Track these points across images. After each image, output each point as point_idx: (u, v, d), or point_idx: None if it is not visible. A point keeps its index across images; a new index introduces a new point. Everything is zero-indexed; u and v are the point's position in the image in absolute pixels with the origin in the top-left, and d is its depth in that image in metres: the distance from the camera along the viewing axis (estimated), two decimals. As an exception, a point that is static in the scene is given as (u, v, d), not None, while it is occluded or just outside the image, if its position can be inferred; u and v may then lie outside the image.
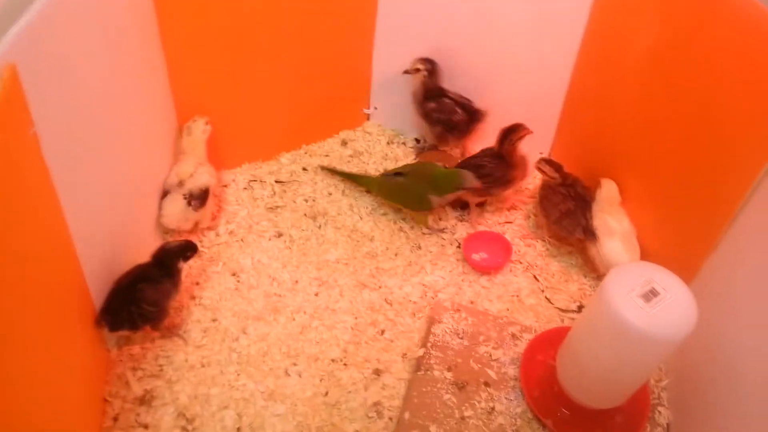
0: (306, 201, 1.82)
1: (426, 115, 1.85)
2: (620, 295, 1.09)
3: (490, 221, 1.81)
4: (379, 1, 1.79)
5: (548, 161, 1.72)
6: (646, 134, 1.55)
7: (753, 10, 1.21)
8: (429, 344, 1.46)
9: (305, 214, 1.77)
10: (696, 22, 1.35)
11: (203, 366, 1.40)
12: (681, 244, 1.43)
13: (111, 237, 1.36)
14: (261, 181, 1.86)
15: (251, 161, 1.90)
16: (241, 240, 1.69)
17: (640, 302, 1.07)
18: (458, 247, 1.73)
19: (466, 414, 1.33)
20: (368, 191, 1.84)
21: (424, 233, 1.75)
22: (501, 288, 1.63)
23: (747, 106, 1.24)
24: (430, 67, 1.79)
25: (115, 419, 1.29)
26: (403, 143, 2.02)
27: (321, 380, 1.40)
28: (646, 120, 1.54)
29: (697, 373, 1.32)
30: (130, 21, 1.40)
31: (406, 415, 1.32)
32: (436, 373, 1.40)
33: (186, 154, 1.65)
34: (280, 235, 1.71)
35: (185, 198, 1.58)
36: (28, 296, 0.98)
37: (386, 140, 2.02)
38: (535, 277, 1.67)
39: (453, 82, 1.84)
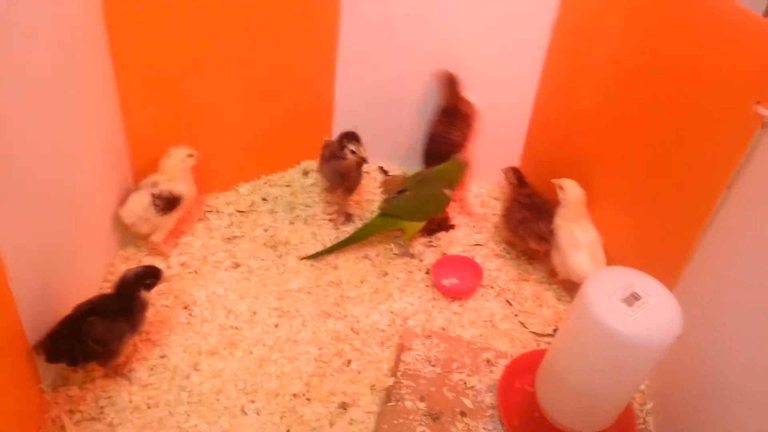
0: (266, 230, 1.72)
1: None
2: (601, 300, 1.02)
3: (459, 246, 1.75)
4: (340, 28, 1.77)
5: (513, 169, 1.78)
6: (616, 140, 1.54)
7: (716, 12, 1.22)
8: (399, 373, 1.35)
9: (265, 244, 1.68)
10: (660, 25, 1.37)
11: (149, 407, 1.27)
12: (657, 251, 1.38)
13: (49, 266, 1.24)
14: (217, 212, 1.76)
15: (207, 192, 1.80)
16: (195, 272, 1.58)
17: (623, 306, 1.01)
18: (427, 272, 1.65)
19: (441, 447, 1.22)
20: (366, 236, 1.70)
21: (390, 259, 1.67)
22: (473, 313, 1.56)
23: (715, 106, 1.22)
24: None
25: (47, 469, 1.14)
26: (367, 172, 1.96)
27: (282, 417, 1.28)
28: (614, 125, 1.53)
29: (681, 395, 1.26)
30: (80, 44, 1.33)
31: (377, 451, 1.20)
32: (408, 403, 1.30)
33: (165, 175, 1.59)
34: (237, 265, 1.61)
35: (152, 196, 1.52)
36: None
37: (349, 170, 1.96)
38: (507, 301, 1.60)
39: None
